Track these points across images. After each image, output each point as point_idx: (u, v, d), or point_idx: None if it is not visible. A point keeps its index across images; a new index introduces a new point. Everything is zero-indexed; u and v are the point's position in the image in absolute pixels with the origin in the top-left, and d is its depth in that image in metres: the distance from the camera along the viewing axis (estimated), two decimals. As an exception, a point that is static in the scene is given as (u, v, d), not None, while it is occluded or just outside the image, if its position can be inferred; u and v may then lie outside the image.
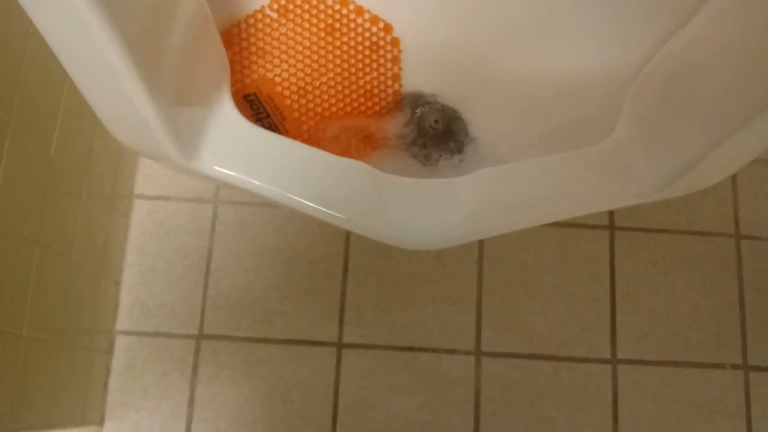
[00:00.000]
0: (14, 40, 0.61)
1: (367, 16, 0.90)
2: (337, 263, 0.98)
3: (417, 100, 0.92)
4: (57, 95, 0.71)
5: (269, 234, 0.98)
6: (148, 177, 0.98)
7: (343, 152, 0.87)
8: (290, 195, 0.67)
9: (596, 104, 0.80)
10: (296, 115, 0.86)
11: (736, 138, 0.57)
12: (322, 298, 0.96)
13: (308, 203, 0.67)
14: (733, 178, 1.04)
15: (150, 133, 0.60)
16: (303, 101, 0.87)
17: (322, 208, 0.67)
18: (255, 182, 0.66)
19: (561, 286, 0.99)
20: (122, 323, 0.94)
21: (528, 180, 0.70)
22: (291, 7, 0.88)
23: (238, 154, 0.67)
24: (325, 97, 0.87)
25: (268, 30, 0.87)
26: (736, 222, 1.03)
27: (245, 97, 0.86)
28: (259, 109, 0.86)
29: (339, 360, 0.95)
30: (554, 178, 0.69)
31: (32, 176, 0.67)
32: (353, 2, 0.89)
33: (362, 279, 0.98)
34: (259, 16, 0.88)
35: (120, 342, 0.93)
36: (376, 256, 0.98)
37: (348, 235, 0.99)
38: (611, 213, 1.02)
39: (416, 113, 0.91)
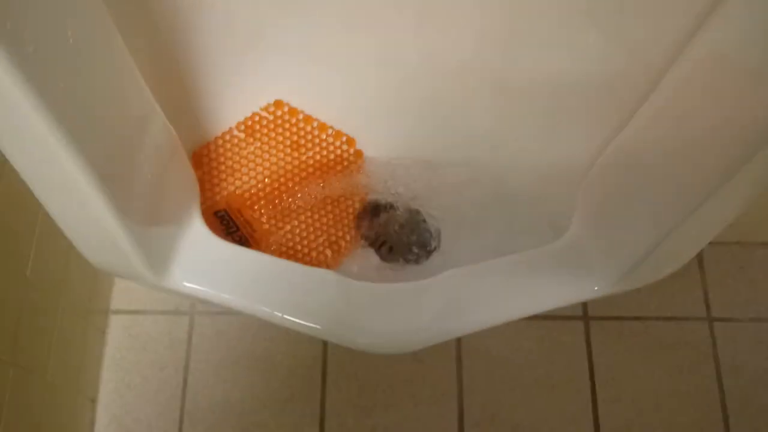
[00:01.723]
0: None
1: (330, 131, 0.95)
2: (315, 368, 0.98)
3: (382, 205, 0.95)
4: (32, 217, 0.72)
5: (246, 342, 0.98)
6: (124, 292, 0.99)
7: (313, 260, 0.89)
8: (261, 307, 0.68)
9: (550, 200, 0.83)
10: (266, 227, 0.89)
11: (685, 228, 0.60)
12: (301, 405, 0.96)
13: (279, 315, 0.68)
14: (700, 263, 1.07)
15: (121, 255, 0.61)
16: (272, 213, 0.90)
17: (294, 319, 0.68)
18: (225, 296, 0.68)
19: (541, 379, 0.99)
20: (99, 441, 0.92)
21: (492, 279, 0.72)
22: (257, 127, 0.92)
23: (207, 269, 0.69)
24: (293, 207, 0.91)
25: (237, 149, 0.91)
26: (707, 305, 1.05)
27: (216, 213, 0.89)
28: (229, 223, 0.89)
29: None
30: (517, 277, 0.72)
31: (7, 297, 0.67)
32: (317, 120, 0.94)
33: (341, 383, 0.97)
34: (228, 137, 0.92)
35: (97, 462, 0.91)
36: (354, 360, 0.98)
37: (325, 340, 0.99)
38: (584, 303, 1.04)
39: (381, 219, 0.94)
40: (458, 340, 1.01)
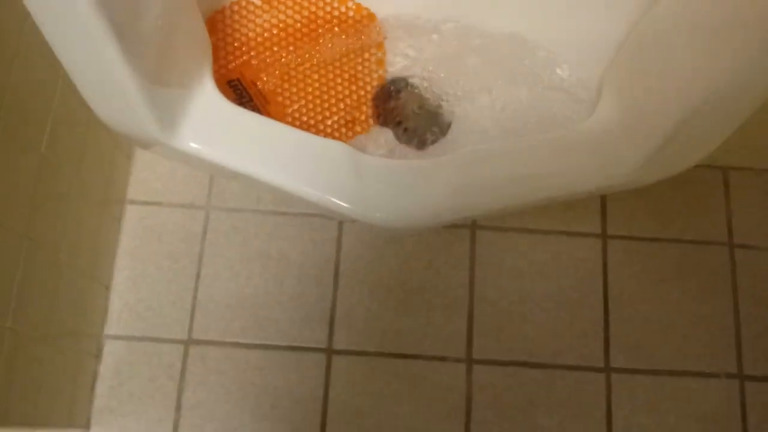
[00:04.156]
0: (6, 37, 0.62)
1: (350, 3, 0.91)
2: (327, 269, 0.98)
3: (401, 83, 0.92)
4: (49, 94, 0.71)
5: (260, 240, 0.98)
6: (140, 182, 0.99)
7: (328, 136, 0.87)
8: (269, 173, 0.66)
9: (576, 76, 0.80)
10: (280, 99, 0.86)
11: (709, 110, 0.57)
12: (312, 304, 0.96)
13: (287, 181, 0.67)
14: (726, 187, 1.04)
15: (130, 106, 0.60)
16: (287, 86, 0.87)
17: (302, 187, 0.67)
18: (233, 160, 0.66)
19: (553, 294, 0.99)
20: (111, 327, 0.93)
21: (513, 158, 0.69)
22: None
23: (218, 132, 0.67)
24: (309, 81, 0.88)
25: (252, 17, 0.88)
26: (730, 231, 1.02)
27: (229, 82, 0.86)
28: (242, 93, 0.86)
29: (329, 366, 0.94)
30: (539, 157, 0.69)
31: (21, 171, 0.67)
32: None
33: (354, 285, 0.97)
34: (243, 3, 0.88)
35: (108, 346, 0.92)
36: (367, 263, 0.98)
37: (339, 240, 0.98)
38: (604, 221, 1.02)
39: (400, 97, 0.91)
40: (472, 250, 0.99)
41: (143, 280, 0.95)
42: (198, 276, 0.96)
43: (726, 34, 0.57)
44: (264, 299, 0.95)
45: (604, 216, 1.01)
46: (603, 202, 1.02)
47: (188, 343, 0.93)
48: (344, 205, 0.68)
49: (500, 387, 0.94)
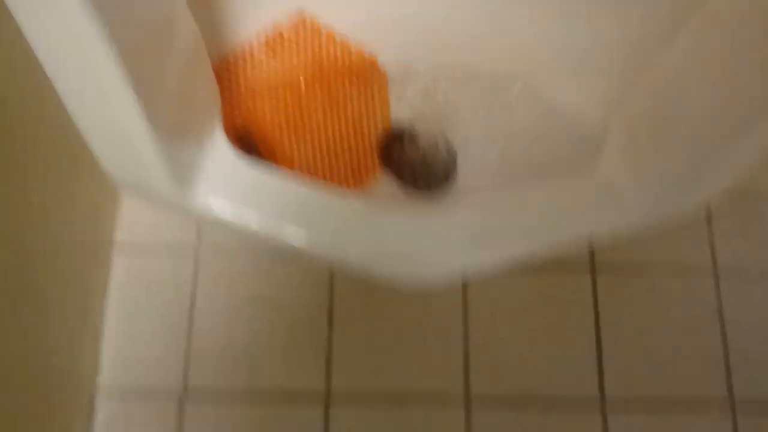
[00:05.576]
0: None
1: (353, 51, 0.91)
2: (322, 310, 0.97)
3: (405, 129, 0.93)
4: (41, 139, 0.70)
5: (252, 283, 0.97)
6: (127, 226, 0.96)
7: (335, 185, 0.86)
8: (286, 229, 0.66)
9: (578, 116, 0.82)
10: (286, 149, 0.86)
11: (715, 162, 0.59)
12: (308, 347, 0.95)
13: (300, 237, 0.66)
14: (708, 216, 1.07)
15: (144, 165, 0.59)
16: (293, 135, 0.87)
17: (314, 241, 0.66)
18: (251, 215, 0.65)
19: (547, 327, 0.99)
20: (103, 378, 0.90)
21: (519, 208, 0.70)
22: (279, 45, 0.88)
23: (230, 187, 0.66)
24: (315, 129, 0.87)
25: (257, 66, 0.88)
26: (714, 259, 1.05)
27: (235, 132, 0.86)
28: (248, 143, 0.85)
29: (327, 418, 0.92)
30: (549, 206, 0.70)
31: (11, 224, 0.65)
32: (340, 39, 0.90)
33: (348, 325, 0.96)
34: (248, 54, 0.88)
35: (101, 397, 0.90)
36: (361, 302, 0.97)
37: (332, 281, 0.98)
38: (592, 254, 1.03)
39: (405, 143, 0.91)
40: (465, 285, 1.00)
41: (134, 329, 0.93)
42: (190, 322, 0.94)
43: (737, 83, 0.59)
44: (258, 345, 0.94)
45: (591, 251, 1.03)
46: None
47: (183, 392, 0.91)
48: (362, 262, 0.67)
49: (498, 421, 0.94)
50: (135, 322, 0.93)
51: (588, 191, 0.71)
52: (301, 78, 0.88)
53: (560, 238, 0.70)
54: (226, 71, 0.87)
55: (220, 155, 0.67)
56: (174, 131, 0.60)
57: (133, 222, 0.97)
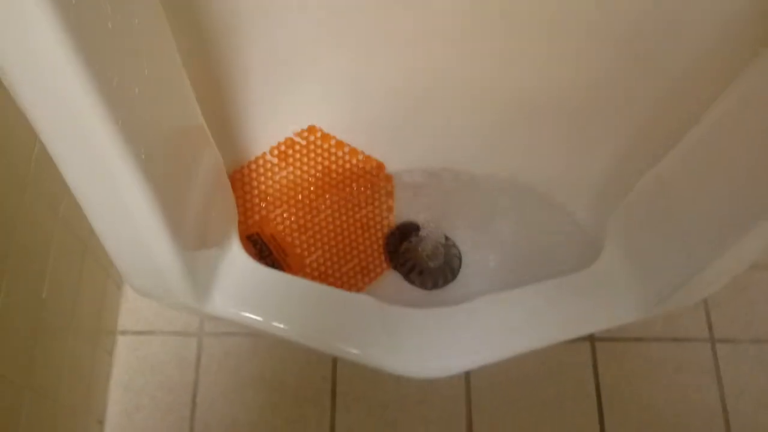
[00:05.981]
0: (9, 192, 0.62)
1: (360, 156, 0.96)
2: (324, 389, 0.97)
3: (411, 227, 0.96)
4: (48, 235, 0.71)
5: (254, 363, 0.97)
6: (131, 312, 0.98)
7: (344, 285, 0.89)
8: (301, 333, 0.68)
9: (575, 217, 0.85)
10: (298, 251, 0.89)
11: (720, 260, 0.61)
12: (311, 426, 0.95)
13: (318, 340, 0.68)
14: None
15: (167, 280, 0.61)
16: (304, 237, 0.90)
17: (332, 344, 0.68)
18: (268, 322, 0.67)
19: (549, 400, 1.00)
20: (106, 466, 0.90)
21: (527, 305, 0.72)
22: (290, 152, 0.93)
23: (248, 294, 0.68)
24: (325, 232, 0.91)
25: (270, 174, 0.92)
26: (710, 326, 1.06)
27: (248, 237, 0.89)
28: (262, 247, 0.89)
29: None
30: (551, 303, 0.72)
31: (24, 319, 0.66)
32: (348, 145, 0.95)
33: (351, 404, 0.97)
34: (261, 161, 0.93)
35: (104, 487, 0.89)
36: (363, 380, 0.98)
37: (334, 360, 0.98)
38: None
39: (411, 242, 0.94)
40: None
41: (137, 413, 0.93)
42: (193, 406, 0.94)
43: (733, 192, 0.61)
44: (261, 426, 0.94)
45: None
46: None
47: (187, 478, 0.91)
48: (375, 359, 0.69)
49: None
50: (138, 405, 0.93)
51: (588, 289, 0.73)
52: (311, 182, 0.92)
53: (561, 337, 0.72)
54: (239, 180, 0.92)
55: (236, 262, 0.70)
56: (196, 249, 0.63)
57: (136, 306, 0.98)
